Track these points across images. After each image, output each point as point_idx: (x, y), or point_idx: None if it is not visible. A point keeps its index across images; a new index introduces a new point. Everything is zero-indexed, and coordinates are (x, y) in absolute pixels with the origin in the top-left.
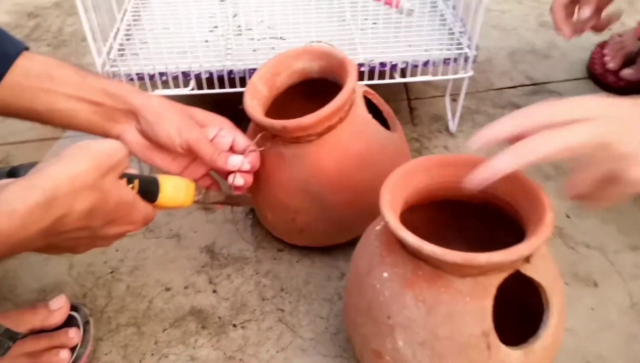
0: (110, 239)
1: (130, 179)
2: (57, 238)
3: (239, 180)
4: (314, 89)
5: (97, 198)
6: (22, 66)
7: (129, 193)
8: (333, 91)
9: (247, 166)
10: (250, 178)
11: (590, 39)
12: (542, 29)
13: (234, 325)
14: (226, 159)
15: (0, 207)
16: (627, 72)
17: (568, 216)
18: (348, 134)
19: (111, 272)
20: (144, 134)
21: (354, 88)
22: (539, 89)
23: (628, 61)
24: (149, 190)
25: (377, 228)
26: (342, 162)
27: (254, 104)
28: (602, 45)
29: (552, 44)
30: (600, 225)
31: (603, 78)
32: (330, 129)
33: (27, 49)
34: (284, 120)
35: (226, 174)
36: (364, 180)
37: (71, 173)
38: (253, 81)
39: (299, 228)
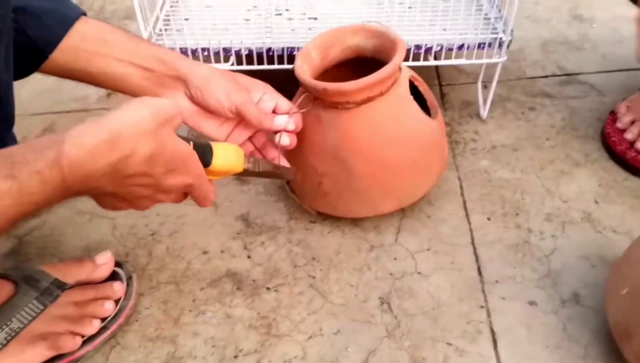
0: (171, 191)
1: (185, 140)
2: (123, 183)
3: (285, 139)
4: (366, 70)
5: (157, 144)
6: (79, 29)
7: (185, 145)
8: None
9: (292, 126)
10: (294, 138)
11: (626, 31)
12: (575, 21)
13: (268, 288)
14: (272, 120)
15: (70, 140)
16: None
17: (597, 202)
18: (386, 109)
19: (152, 234)
20: (193, 100)
21: (399, 66)
22: (570, 80)
23: None
24: (202, 153)
25: None
26: (375, 135)
27: (304, 67)
28: (613, 115)
29: (584, 36)
30: (629, 212)
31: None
32: (369, 100)
33: (84, 14)
34: (327, 82)
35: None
36: (393, 157)
37: (133, 118)
38: (308, 48)
39: (324, 193)
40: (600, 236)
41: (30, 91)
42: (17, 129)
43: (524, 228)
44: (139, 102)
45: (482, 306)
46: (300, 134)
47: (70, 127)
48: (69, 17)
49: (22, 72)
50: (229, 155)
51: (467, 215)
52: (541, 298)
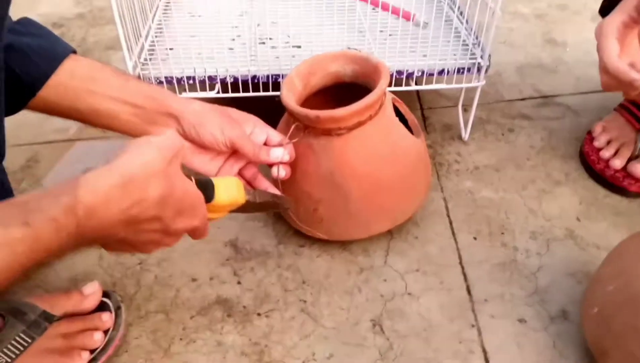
0: (177, 234)
1: (187, 177)
2: (134, 229)
3: (282, 171)
4: (345, 97)
5: (166, 185)
6: (68, 67)
7: (191, 184)
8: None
9: (287, 157)
10: (289, 169)
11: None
12: (548, 45)
13: (259, 314)
14: (268, 153)
15: (85, 185)
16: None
17: (578, 219)
18: (376, 132)
19: (139, 263)
20: (186, 136)
21: (385, 90)
22: (547, 102)
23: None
24: (205, 189)
25: None
26: (368, 158)
27: (290, 96)
28: (590, 135)
29: (558, 59)
30: (611, 228)
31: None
32: (360, 125)
33: (74, 52)
34: (318, 110)
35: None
36: (386, 177)
37: (141, 161)
38: (291, 76)
39: (320, 218)
40: (584, 252)
41: (12, 122)
42: None
43: (510, 247)
44: (145, 143)
45: (472, 325)
46: (293, 163)
47: (49, 160)
48: (57, 55)
49: (10, 108)
50: (230, 189)
51: (453, 235)
52: (530, 315)
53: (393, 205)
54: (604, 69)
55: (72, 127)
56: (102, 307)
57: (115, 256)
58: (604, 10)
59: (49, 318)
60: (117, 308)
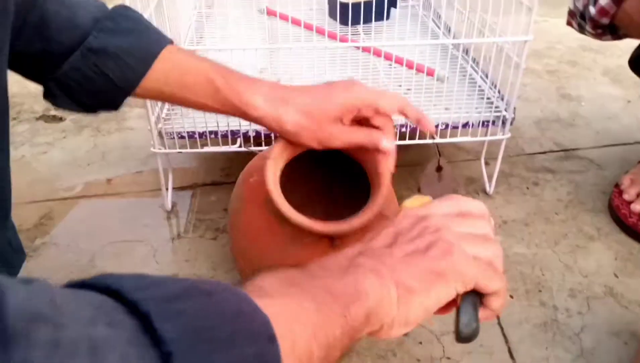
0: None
1: None
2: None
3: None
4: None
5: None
6: (161, 69)
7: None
8: None
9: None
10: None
11: (613, 108)
12: (563, 100)
13: None
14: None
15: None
16: None
17: (616, 276)
18: None
19: None
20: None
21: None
22: (568, 155)
23: None
24: None
25: None
26: None
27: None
28: (617, 188)
29: (575, 113)
30: None
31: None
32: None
33: (171, 42)
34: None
35: None
36: None
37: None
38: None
39: None
40: (627, 311)
41: (25, 179)
42: (13, 217)
43: (549, 306)
44: None
45: None
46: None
47: (63, 216)
48: (149, 54)
49: (108, 107)
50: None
51: None
52: None
53: None
54: None
55: (78, 185)
56: None
57: None
58: (636, 60)
59: None
60: None
